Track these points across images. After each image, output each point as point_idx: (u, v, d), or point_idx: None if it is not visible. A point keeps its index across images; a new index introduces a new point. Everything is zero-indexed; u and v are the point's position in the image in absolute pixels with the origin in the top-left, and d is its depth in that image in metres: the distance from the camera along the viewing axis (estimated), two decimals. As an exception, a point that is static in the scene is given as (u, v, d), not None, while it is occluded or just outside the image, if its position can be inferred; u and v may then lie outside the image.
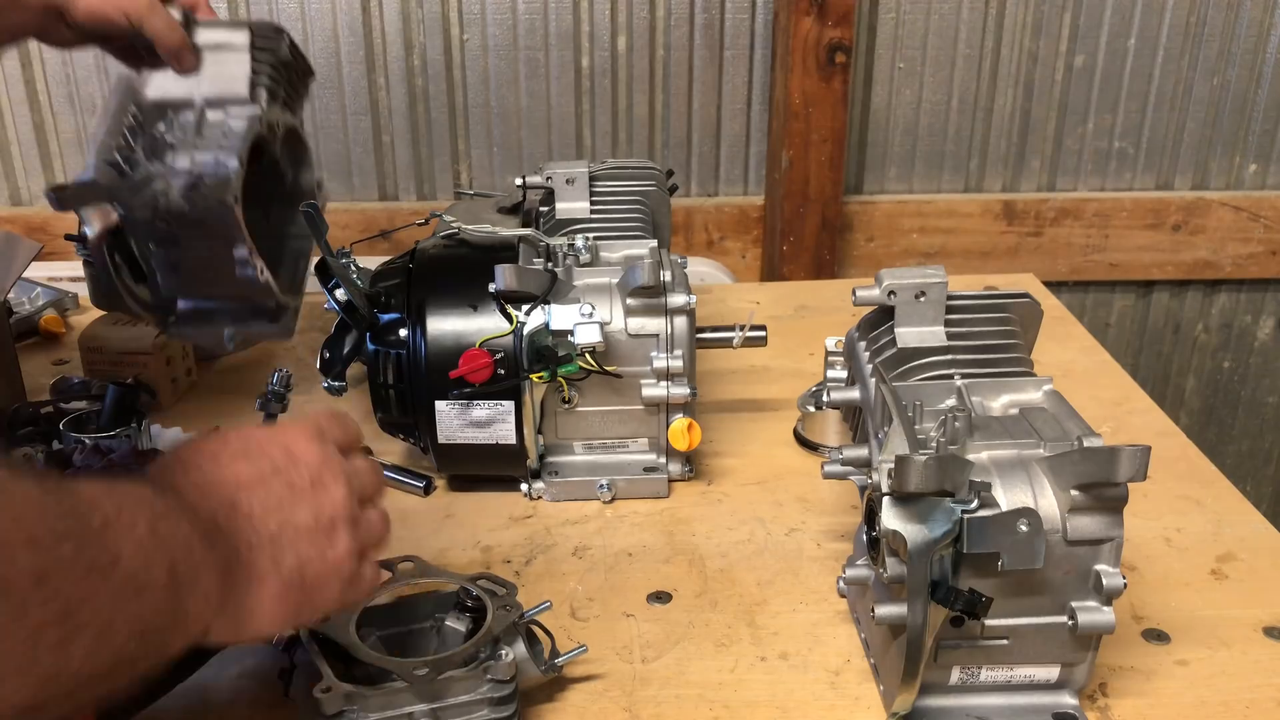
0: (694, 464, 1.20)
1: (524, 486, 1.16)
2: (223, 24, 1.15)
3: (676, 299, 1.11)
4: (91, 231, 1.04)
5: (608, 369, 1.10)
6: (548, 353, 1.08)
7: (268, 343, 1.49)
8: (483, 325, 1.09)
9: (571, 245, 1.16)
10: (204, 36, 1.11)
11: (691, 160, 2.14)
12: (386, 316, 1.12)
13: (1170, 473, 1.17)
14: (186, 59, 1.09)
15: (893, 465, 0.76)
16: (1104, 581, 0.79)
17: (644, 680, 0.91)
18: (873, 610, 0.81)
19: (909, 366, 0.92)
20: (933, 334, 0.94)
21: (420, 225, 1.34)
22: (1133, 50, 2.10)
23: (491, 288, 1.08)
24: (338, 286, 1.12)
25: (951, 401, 0.88)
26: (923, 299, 0.93)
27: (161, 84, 1.09)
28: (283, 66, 1.17)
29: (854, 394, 0.97)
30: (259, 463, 0.69)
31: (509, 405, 1.10)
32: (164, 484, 0.65)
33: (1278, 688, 0.89)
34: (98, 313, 1.40)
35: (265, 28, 1.16)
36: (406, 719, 0.79)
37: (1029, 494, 0.79)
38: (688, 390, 1.12)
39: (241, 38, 1.12)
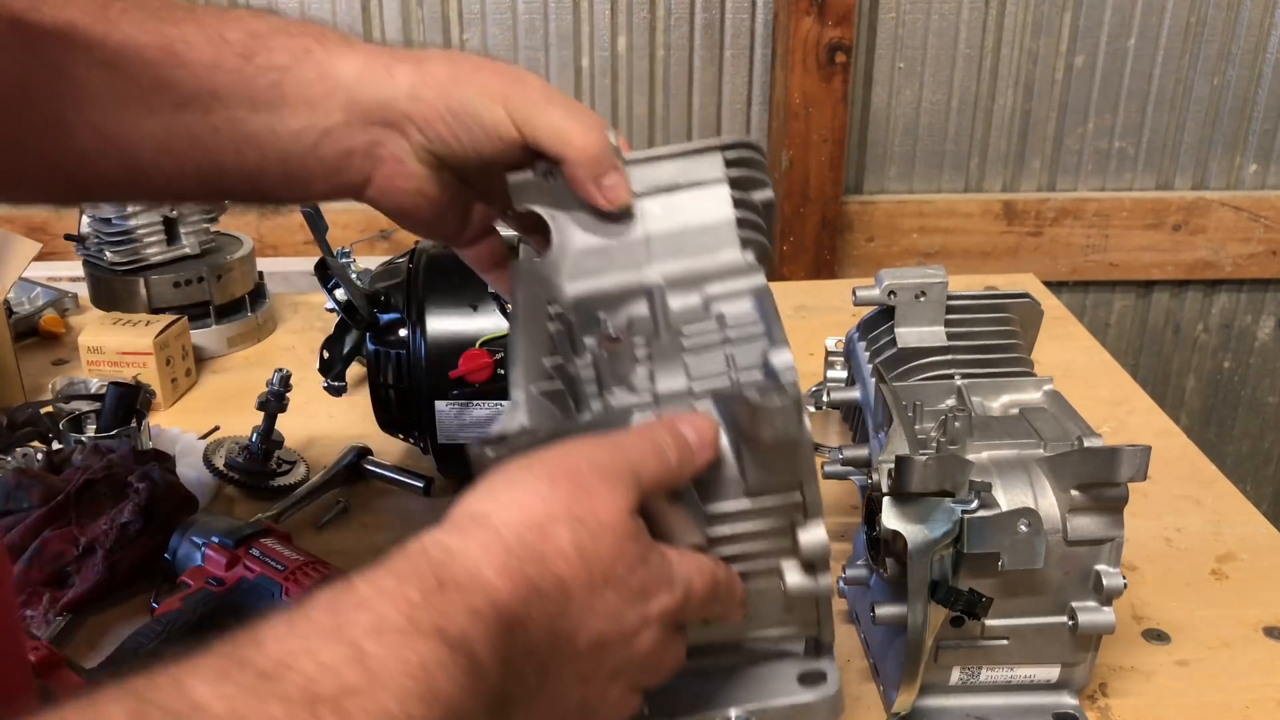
0: (694, 464, 1.19)
1: (524, 486, 1.16)
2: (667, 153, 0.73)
3: (677, 299, 1.11)
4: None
5: (608, 369, 1.10)
6: (548, 353, 1.07)
7: (266, 342, 1.49)
8: (483, 325, 1.09)
9: (572, 245, 1.16)
10: (644, 174, 0.72)
11: (691, 160, 2.14)
12: (386, 316, 1.12)
13: (1170, 473, 1.17)
14: (615, 188, 0.70)
15: (893, 465, 0.76)
16: (1104, 582, 0.79)
17: (644, 680, 0.91)
18: (873, 610, 0.81)
19: (909, 366, 0.92)
20: (933, 334, 0.94)
21: (420, 225, 1.33)
22: (1133, 50, 2.10)
23: (492, 288, 1.08)
24: (338, 286, 1.12)
25: (951, 401, 0.88)
26: (923, 299, 0.93)
27: (586, 258, 0.71)
28: (765, 216, 0.75)
29: (854, 394, 0.97)
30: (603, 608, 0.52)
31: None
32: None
33: (1278, 688, 0.89)
34: (98, 313, 1.41)
35: (743, 144, 0.74)
36: (406, 719, 0.79)
37: (1029, 494, 0.79)
38: (688, 390, 1.12)
39: (709, 167, 0.72)
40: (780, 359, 0.63)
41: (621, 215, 0.71)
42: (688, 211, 0.71)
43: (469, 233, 0.78)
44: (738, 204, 0.72)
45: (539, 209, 0.72)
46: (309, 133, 0.69)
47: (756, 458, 0.61)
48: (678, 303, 0.70)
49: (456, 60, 0.71)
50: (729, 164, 0.73)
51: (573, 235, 0.71)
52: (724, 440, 0.62)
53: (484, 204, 0.77)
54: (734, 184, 0.73)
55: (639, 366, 0.65)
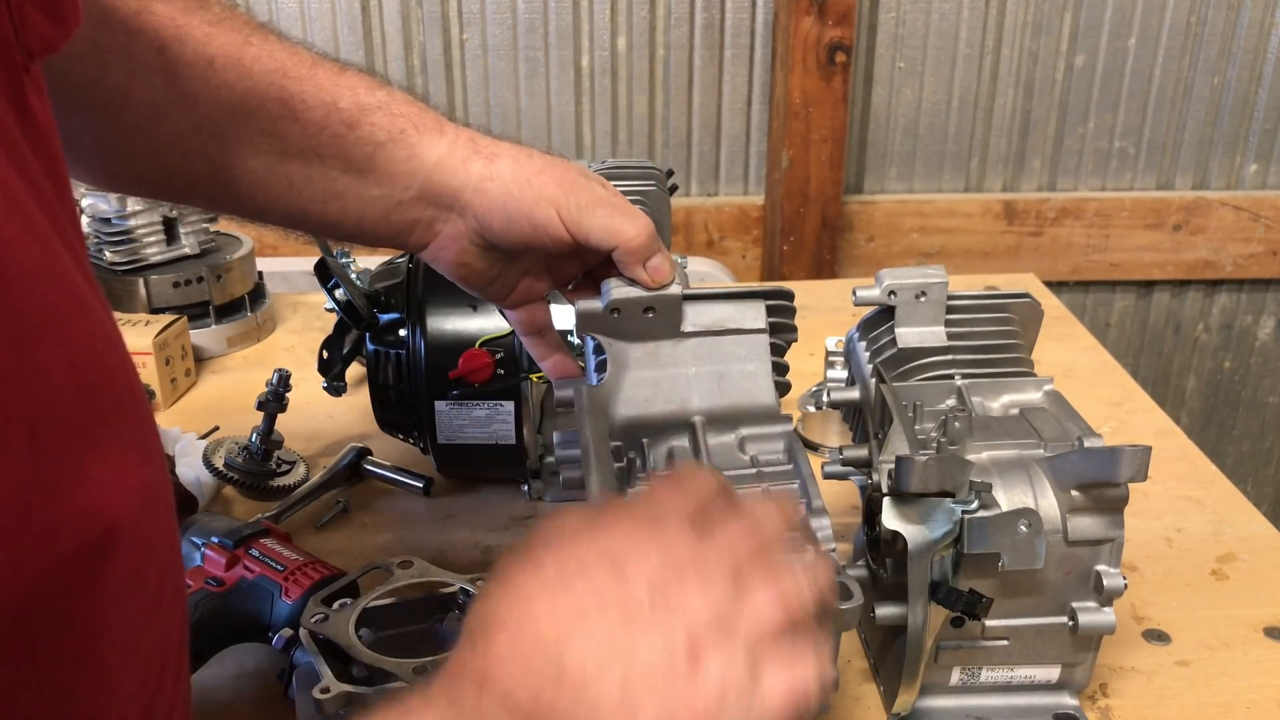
0: (694, 464, 1.19)
1: (524, 486, 1.16)
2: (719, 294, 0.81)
3: (677, 299, 1.11)
4: None
5: (608, 369, 1.10)
6: (548, 353, 1.07)
7: (266, 342, 1.49)
8: (483, 325, 1.09)
9: (572, 245, 1.16)
10: (696, 313, 0.79)
11: (691, 160, 2.14)
12: (386, 316, 1.12)
13: (1171, 473, 1.17)
14: (660, 268, 0.78)
15: (893, 465, 0.76)
16: (1104, 582, 0.79)
17: (644, 680, 0.91)
18: (873, 610, 0.81)
19: (909, 366, 0.92)
20: (933, 334, 0.94)
21: (420, 225, 1.33)
22: (1133, 50, 2.10)
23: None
24: (338, 286, 1.12)
25: (951, 402, 0.88)
26: (923, 299, 0.93)
27: (637, 387, 0.78)
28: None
29: (854, 394, 0.97)
30: (581, 595, 0.53)
31: (509, 405, 1.09)
32: (469, 688, 0.53)
33: (1278, 688, 0.89)
34: (97, 312, 1.40)
35: (781, 293, 0.82)
36: (406, 719, 0.79)
37: (1029, 494, 0.79)
38: (688, 390, 1.12)
39: (753, 315, 0.80)
40: (823, 530, 0.68)
41: (671, 350, 0.78)
42: (731, 356, 0.79)
43: (512, 299, 0.86)
44: (772, 350, 0.80)
45: (600, 338, 0.79)
46: (385, 200, 0.78)
47: None
48: (714, 439, 0.76)
49: (522, 162, 0.78)
50: (768, 310, 0.81)
51: (626, 365, 0.78)
52: None
53: (530, 280, 0.85)
54: (770, 330, 0.81)
55: None
